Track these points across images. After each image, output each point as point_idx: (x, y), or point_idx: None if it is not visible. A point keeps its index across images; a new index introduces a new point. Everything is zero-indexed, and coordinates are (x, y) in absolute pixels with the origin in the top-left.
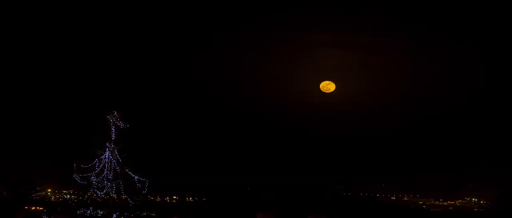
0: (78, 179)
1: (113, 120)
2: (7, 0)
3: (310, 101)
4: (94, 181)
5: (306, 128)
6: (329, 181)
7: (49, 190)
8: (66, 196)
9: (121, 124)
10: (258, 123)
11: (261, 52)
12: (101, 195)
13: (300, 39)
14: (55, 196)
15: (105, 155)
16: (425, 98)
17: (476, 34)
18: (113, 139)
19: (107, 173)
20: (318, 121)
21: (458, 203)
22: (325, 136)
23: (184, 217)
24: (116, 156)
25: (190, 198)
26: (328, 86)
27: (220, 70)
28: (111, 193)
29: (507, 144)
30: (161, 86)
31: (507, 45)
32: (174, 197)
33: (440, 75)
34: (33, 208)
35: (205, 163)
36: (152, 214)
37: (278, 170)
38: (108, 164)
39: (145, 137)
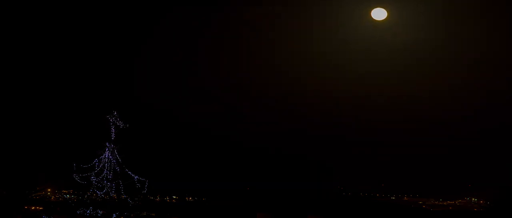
0: (78, 179)
1: (113, 120)
2: (7, 0)
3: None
4: (94, 181)
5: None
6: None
7: (49, 190)
8: (66, 196)
9: (121, 124)
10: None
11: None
12: (101, 195)
13: None
14: (55, 196)
15: (105, 155)
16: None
17: None
18: (113, 138)
19: (107, 173)
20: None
21: (458, 203)
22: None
23: (184, 217)
24: (116, 156)
25: (190, 198)
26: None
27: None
28: (111, 193)
29: (507, 143)
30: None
31: None
32: (174, 197)
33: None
34: (33, 208)
35: (205, 163)
36: (152, 214)
37: (278, 170)
38: (107, 164)
39: (145, 137)
